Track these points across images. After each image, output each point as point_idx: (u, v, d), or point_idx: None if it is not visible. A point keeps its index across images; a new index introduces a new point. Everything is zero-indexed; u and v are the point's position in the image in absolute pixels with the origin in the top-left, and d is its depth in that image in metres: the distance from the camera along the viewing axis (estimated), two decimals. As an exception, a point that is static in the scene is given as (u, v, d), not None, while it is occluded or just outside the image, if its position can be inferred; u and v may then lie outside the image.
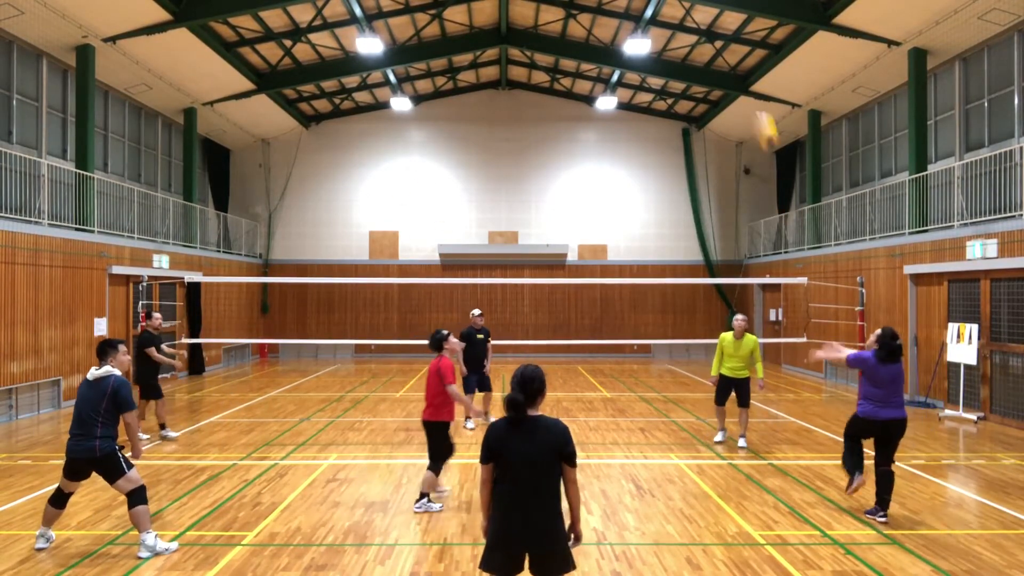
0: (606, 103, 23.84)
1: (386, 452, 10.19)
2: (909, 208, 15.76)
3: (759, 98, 20.99)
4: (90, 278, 14.98)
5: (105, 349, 6.34)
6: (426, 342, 7.98)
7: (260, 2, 16.21)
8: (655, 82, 23.07)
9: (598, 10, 18.91)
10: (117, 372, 6.25)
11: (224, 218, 23.89)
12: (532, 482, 4.01)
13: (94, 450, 6.03)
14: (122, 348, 6.43)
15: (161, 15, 15.63)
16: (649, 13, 17.74)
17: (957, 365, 13.28)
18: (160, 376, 11.33)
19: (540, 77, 24.85)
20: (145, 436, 10.78)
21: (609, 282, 24.86)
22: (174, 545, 6.26)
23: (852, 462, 7.30)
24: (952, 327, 13.12)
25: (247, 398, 15.43)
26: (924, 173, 15.51)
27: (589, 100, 25.45)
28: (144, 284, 14.75)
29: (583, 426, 12.15)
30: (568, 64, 23.02)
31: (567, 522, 4.15)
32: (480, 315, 12.09)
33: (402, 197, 25.58)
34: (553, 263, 25.27)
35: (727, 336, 10.41)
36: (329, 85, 23.04)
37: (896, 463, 7.36)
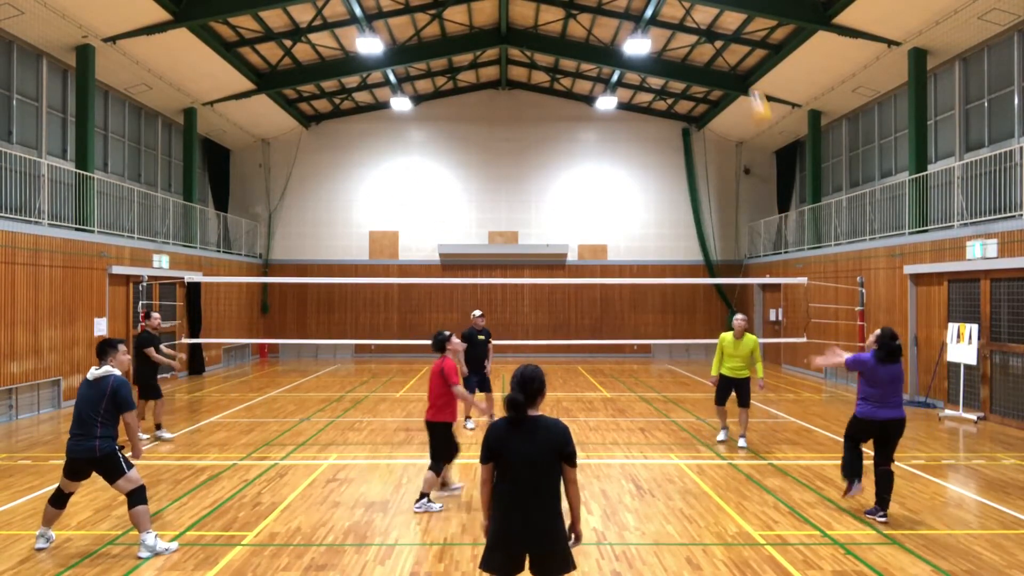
0: (606, 103, 23.84)
1: (386, 452, 10.19)
2: (909, 208, 15.76)
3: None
4: (90, 278, 14.98)
5: (105, 349, 6.34)
6: (426, 342, 8.00)
7: (260, 2, 16.21)
8: (655, 82, 23.07)
9: (598, 10, 18.91)
10: (117, 372, 6.25)
11: (224, 218, 23.89)
12: (532, 482, 4.01)
13: (94, 450, 6.04)
14: (122, 348, 6.43)
15: (161, 15, 15.63)
16: (649, 13, 17.74)
17: (957, 365, 13.28)
18: (160, 376, 11.31)
19: (540, 77, 24.85)
20: (145, 436, 10.77)
21: (609, 282, 24.86)
22: (174, 545, 6.26)
23: (851, 469, 7.34)
24: (952, 327, 13.12)
25: (247, 398, 15.43)
26: (924, 173, 15.51)
27: (589, 100, 25.45)
28: (144, 284, 14.75)
29: (583, 426, 12.15)
30: (568, 64, 23.02)
31: (567, 522, 4.16)
32: (481, 316, 12.10)
33: (402, 197, 25.59)
34: (553, 263, 25.27)
35: (727, 336, 10.41)
36: (329, 85, 23.04)
37: (896, 463, 7.37)
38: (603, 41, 20.68)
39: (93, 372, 6.20)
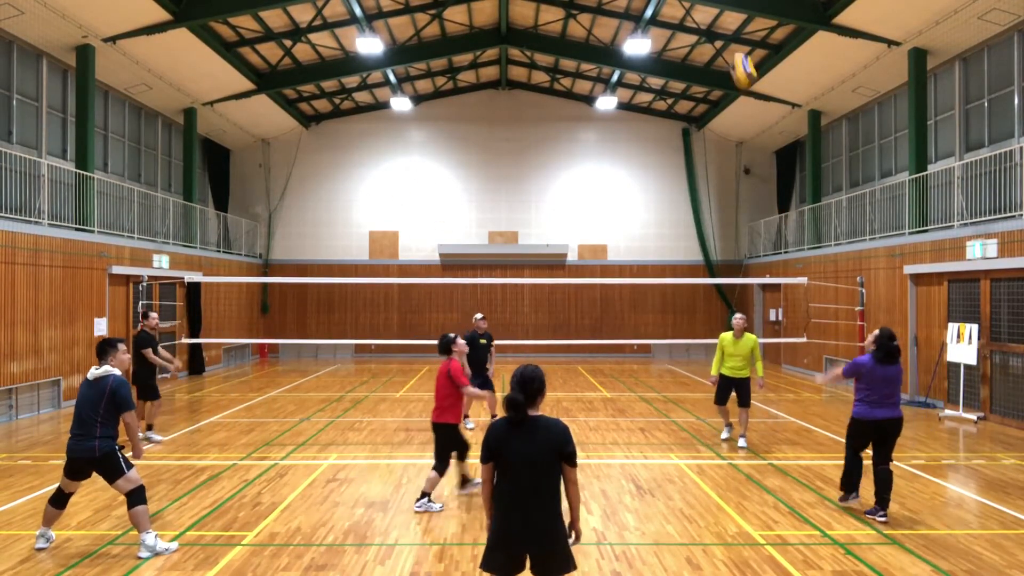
0: (606, 103, 23.84)
1: (386, 452, 10.19)
2: (909, 208, 15.76)
3: (759, 98, 21.00)
4: (90, 278, 14.98)
5: (105, 348, 6.34)
6: (425, 342, 8.05)
7: (260, 2, 16.21)
8: (655, 82, 23.07)
9: (598, 10, 18.91)
10: (116, 372, 6.25)
11: (224, 218, 23.89)
12: (532, 482, 4.01)
13: (94, 450, 6.04)
14: (122, 347, 6.43)
15: (161, 15, 15.63)
16: (649, 13, 17.74)
17: (957, 365, 13.28)
18: (160, 376, 11.27)
19: (540, 77, 24.85)
20: (157, 436, 10.79)
21: (609, 282, 24.86)
22: (174, 545, 6.26)
23: (850, 481, 7.43)
24: (952, 327, 13.12)
25: (247, 398, 15.43)
26: (924, 173, 15.51)
27: (589, 100, 25.45)
28: (144, 284, 14.75)
29: (583, 426, 12.15)
30: (568, 64, 23.02)
31: (567, 522, 4.16)
32: (483, 319, 12.11)
33: (402, 197, 25.59)
34: (553, 263, 25.27)
35: (727, 336, 10.42)
36: (329, 85, 23.04)
37: (896, 463, 7.39)
38: (603, 41, 20.68)
39: (93, 372, 6.20)
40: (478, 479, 8.08)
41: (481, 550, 4.16)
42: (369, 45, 17.55)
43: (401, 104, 23.56)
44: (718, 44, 19.21)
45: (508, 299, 25.26)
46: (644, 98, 24.92)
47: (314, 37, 19.53)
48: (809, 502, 7.71)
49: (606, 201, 25.65)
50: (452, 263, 25.19)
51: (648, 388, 17.18)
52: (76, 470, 6.19)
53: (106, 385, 6.12)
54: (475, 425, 11.94)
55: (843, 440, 7.51)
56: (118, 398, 6.10)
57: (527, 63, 23.48)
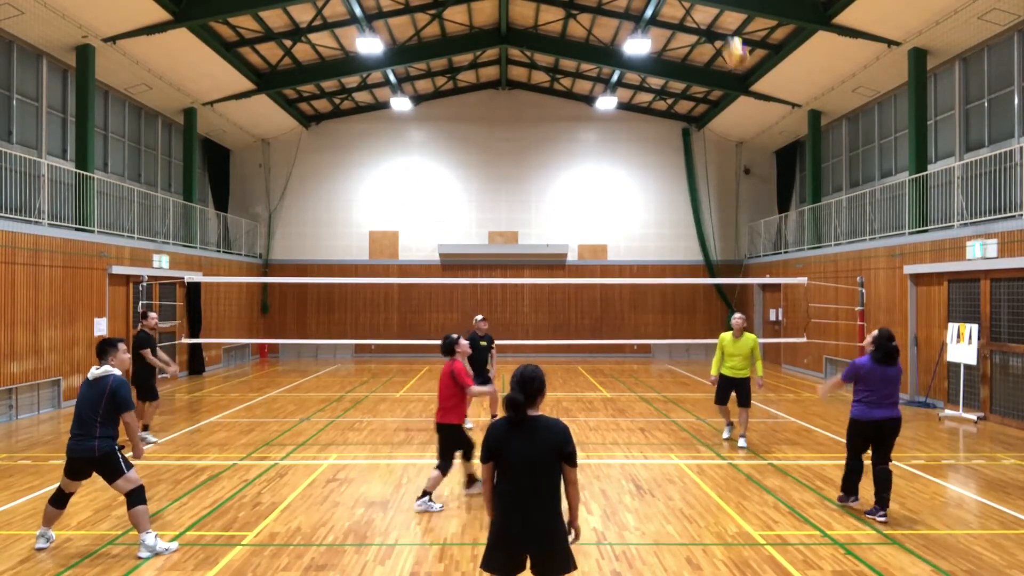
0: (606, 103, 23.84)
1: (386, 452, 10.19)
2: (909, 208, 15.76)
3: (759, 98, 21.00)
4: (90, 278, 14.98)
5: (105, 348, 6.34)
6: (425, 342, 8.08)
7: (260, 2, 16.21)
8: (655, 82, 23.07)
9: (598, 10, 18.91)
10: (116, 372, 6.26)
11: (224, 218, 23.89)
12: (532, 482, 4.01)
13: (93, 450, 6.04)
14: (122, 347, 6.43)
15: (161, 15, 15.63)
16: (649, 13, 17.74)
17: (957, 365, 13.28)
18: (160, 377, 11.25)
19: (540, 77, 24.85)
20: (151, 437, 10.78)
21: (609, 282, 24.86)
22: (174, 545, 6.26)
23: (849, 484, 7.46)
24: (952, 327, 13.12)
25: (247, 398, 15.43)
26: (924, 173, 15.51)
27: (589, 100, 25.45)
28: (144, 284, 14.75)
29: (583, 426, 12.15)
30: (568, 64, 23.02)
31: (567, 520, 4.16)
32: (483, 320, 12.12)
33: (402, 197, 25.59)
34: (553, 263, 25.27)
35: (726, 336, 10.43)
36: (329, 85, 23.04)
37: (896, 463, 7.39)
38: (603, 41, 20.68)
39: (93, 372, 6.20)
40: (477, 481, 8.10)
41: (481, 550, 4.16)
42: (369, 45, 17.56)
43: (401, 104, 23.56)
44: (718, 44, 19.21)
45: (508, 299, 25.26)
46: (644, 98, 24.92)
47: (314, 37, 19.53)
48: (809, 502, 7.71)
49: (606, 201, 25.65)
50: (452, 263, 25.19)
51: (648, 388, 17.18)
52: (76, 470, 6.19)
53: (106, 385, 6.12)
54: (474, 425, 11.93)
55: (843, 440, 7.51)
56: (118, 398, 6.10)
57: (527, 63, 23.48)
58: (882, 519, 6.99)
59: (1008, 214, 12.73)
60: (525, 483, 4.01)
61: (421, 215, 25.52)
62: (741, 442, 10.45)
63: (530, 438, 4.05)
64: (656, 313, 25.38)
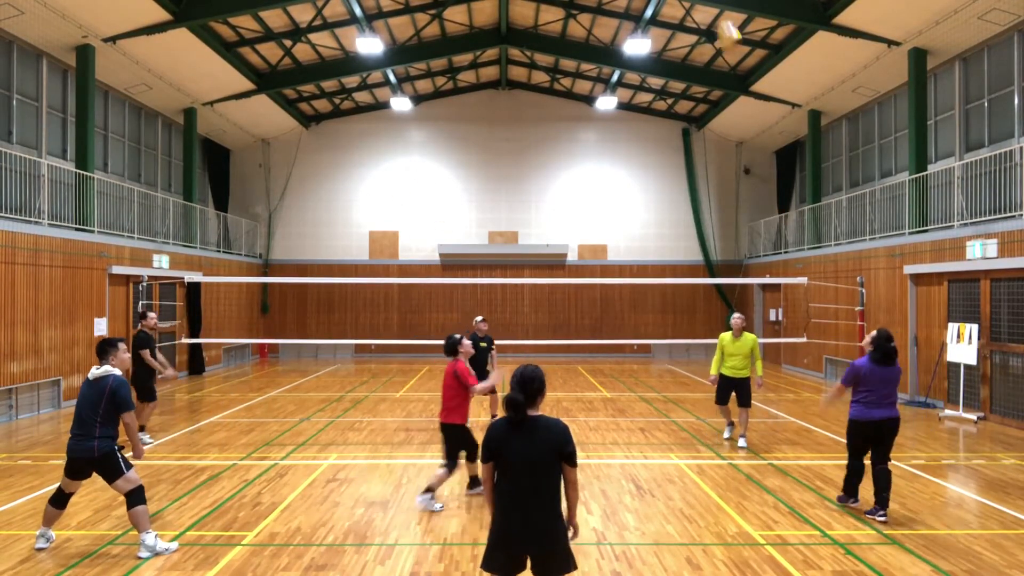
0: (606, 103, 23.84)
1: (386, 452, 10.19)
2: (909, 208, 15.76)
3: (759, 98, 21.00)
4: (90, 278, 14.98)
5: (105, 348, 6.34)
6: (425, 342, 8.09)
7: (260, 2, 16.21)
8: (655, 82, 23.07)
9: (598, 10, 18.91)
10: (116, 372, 6.25)
11: (224, 218, 23.89)
12: (532, 482, 4.01)
13: (93, 450, 6.04)
14: (122, 347, 6.43)
15: (161, 15, 15.63)
16: (649, 13, 17.74)
17: (957, 365, 13.27)
18: (160, 377, 11.23)
19: (540, 77, 24.85)
20: (147, 437, 10.78)
21: (609, 282, 24.86)
22: (174, 545, 6.26)
23: (850, 485, 7.46)
24: (952, 327, 13.12)
25: (247, 398, 15.43)
26: (924, 173, 15.51)
27: (589, 100, 25.45)
28: (144, 284, 14.75)
29: (583, 426, 12.15)
30: (568, 64, 23.02)
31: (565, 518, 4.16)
32: (483, 321, 12.11)
33: (402, 197, 25.59)
34: (553, 263, 25.27)
35: (726, 336, 10.43)
36: (329, 85, 23.04)
37: (897, 463, 7.40)
38: (603, 41, 20.68)
39: (93, 372, 6.21)
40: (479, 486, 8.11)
41: (481, 550, 4.16)
42: (369, 45, 17.56)
43: (401, 104, 23.56)
44: (718, 44, 19.21)
45: (508, 299, 25.26)
46: (644, 98, 24.92)
47: (314, 37, 19.53)
48: (809, 502, 7.71)
49: (606, 201, 25.65)
50: (452, 263, 25.19)
51: (648, 388, 17.18)
52: (76, 470, 6.19)
53: (106, 385, 6.12)
54: (472, 425, 11.91)
55: (843, 440, 7.52)
56: (117, 398, 6.10)
57: (527, 63, 23.48)
58: (882, 519, 6.99)
59: (1008, 214, 12.73)
60: (525, 483, 4.01)
61: (421, 215, 25.52)
62: (741, 442, 10.45)
63: (530, 438, 4.05)
64: (656, 313, 25.38)
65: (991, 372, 12.73)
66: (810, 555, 6.16)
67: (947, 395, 13.96)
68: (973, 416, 12.68)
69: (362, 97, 24.70)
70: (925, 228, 15.22)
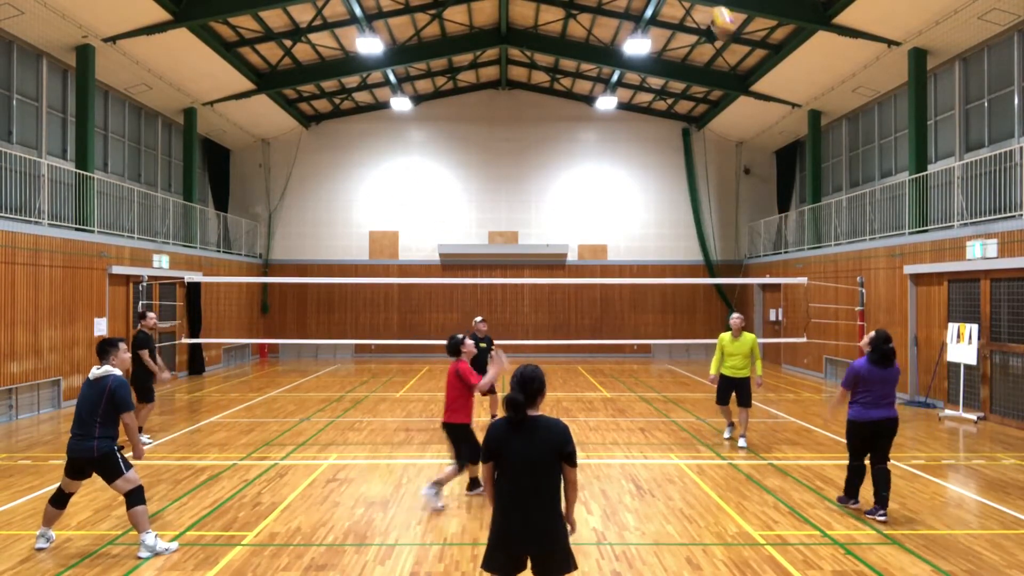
0: (606, 103, 23.84)
1: (386, 452, 10.19)
2: (909, 208, 15.76)
3: (759, 98, 21.00)
4: (90, 278, 14.98)
5: (106, 348, 6.34)
6: (425, 342, 8.12)
7: (260, 2, 16.21)
8: (655, 82, 23.07)
9: (598, 10, 18.91)
10: (117, 372, 6.25)
11: (224, 218, 23.89)
12: (532, 482, 4.01)
13: (92, 450, 6.03)
14: (122, 346, 6.43)
15: (161, 15, 15.63)
16: (649, 13, 17.74)
17: (957, 365, 13.27)
18: (172, 374, 11.18)
19: (540, 77, 24.85)
20: (146, 438, 10.78)
21: (609, 282, 24.86)
22: (174, 545, 6.26)
23: (851, 487, 7.46)
24: (952, 327, 13.12)
25: (247, 398, 15.43)
26: (924, 173, 15.51)
27: (589, 100, 25.45)
28: (144, 284, 14.75)
29: (583, 426, 12.15)
30: (568, 64, 23.02)
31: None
32: (482, 321, 12.11)
33: (402, 197, 25.59)
34: (553, 263, 25.27)
35: (726, 336, 10.44)
36: (329, 85, 23.04)
37: (897, 463, 7.39)
38: (603, 41, 20.67)
39: (94, 372, 6.21)
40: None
41: (481, 550, 4.17)
42: (369, 45, 17.56)
43: (401, 104, 23.56)
44: (718, 44, 19.22)
45: (508, 299, 25.26)
46: (644, 98, 24.92)
47: (314, 37, 19.53)
48: (809, 502, 7.71)
49: (606, 201, 25.65)
50: (452, 263, 25.19)
51: (648, 388, 17.18)
52: (76, 470, 6.19)
53: (105, 385, 6.12)
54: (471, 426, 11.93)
55: (843, 440, 7.52)
56: (117, 398, 6.10)
57: (527, 63, 23.48)
58: (882, 518, 6.99)
59: (1008, 214, 12.73)
60: (525, 483, 4.01)
61: (421, 215, 25.52)
62: (741, 442, 10.45)
63: (530, 438, 4.05)
64: (656, 313, 25.38)
65: (991, 372, 12.73)
66: (810, 555, 6.16)
67: (947, 395, 13.96)
68: (973, 416, 12.68)
69: (362, 97, 24.70)
70: (925, 228, 15.22)
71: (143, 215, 18.55)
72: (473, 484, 8.01)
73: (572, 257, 25.43)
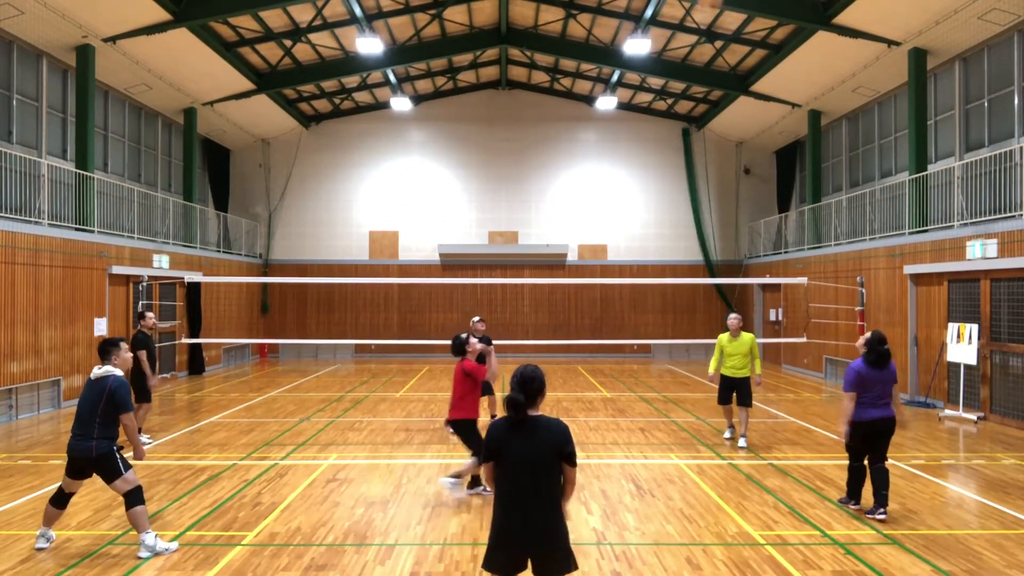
0: (606, 103, 23.84)
1: (386, 452, 10.19)
2: (909, 208, 15.76)
3: (759, 98, 21.00)
4: (90, 278, 14.98)
5: (107, 348, 6.34)
6: (425, 342, 8.20)
7: (260, 2, 16.21)
8: (655, 82, 23.07)
9: (598, 10, 18.91)
10: (117, 372, 6.25)
11: (224, 218, 23.89)
12: (532, 482, 4.01)
13: (91, 450, 6.03)
14: (124, 346, 6.44)
15: (161, 15, 15.63)
16: (649, 13, 17.73)
17: (957, 365, 13.27)
18: (161, 377, 11.21)
19: (540, 77, 24.85)
20: (146, 438, 10.78)
21: (609, 282, 24.86)
22: (174, 545, 6.26)
23: (852, 489, 7.47)
24: (952, 327, 13.12)
25: (247, 398, 15.43)
26: (924, 173, 15.51)
27: (589, 100, 25.45)
28: (144, 284, 14.74)
29: (583, 426, 12.15)
30: (568, 64, 23.02)
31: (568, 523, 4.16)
32: (480, 321, 12.11)
33: (402, 197, 25.59)
34: (553, 263, 25.27)
35: (724, 336, 10.45)
36: (329, 85, 23.04)
37: (897, 463, 7.39)
38: (603, 41, 20.67)
39: (95, 372, 6.21)
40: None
41: (481, 550, 4.17)
42: (369, 45, 17.55)
43: (401, 104, 23.56)
44: (718, 44, 19.22)
45: (508, 299, 25.26)
46: (644, 98, 24.92)
47: (314, 37, 19.53)
48: (809, 502, 7.71)
49: (606, 201, 25.65)
50: (452, 263, 25.19)
51: (648, 388, 17.18)
52: (76, 470, 6.20)
53: (105, 385, 6.12)
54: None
55: (843, 440, 7.51)
56: (116, 399, 6.10)
57: (527, 63, 23.48)
58: (882, 517, 6.99)
59: (1008, 214, 12.73)
60: (525, 483, 4.01)
61: (421, 215, 25.52)
62: (741, 442, 10.45)
63: (530, 438, 4.05)
64: (656, 313, 25.38)
65: (991, 372, 12.73)
66: (810, 555, 6.16)
67: (947, 395, 13.96)
68: (973, 416, 12.68)
69: (362, 97, 24.70)
70: (925, 228, 15.22)
71: (143, 215, 18.54)
72: (474, 482, 8.03)
73: (572, 257, 25.43)
